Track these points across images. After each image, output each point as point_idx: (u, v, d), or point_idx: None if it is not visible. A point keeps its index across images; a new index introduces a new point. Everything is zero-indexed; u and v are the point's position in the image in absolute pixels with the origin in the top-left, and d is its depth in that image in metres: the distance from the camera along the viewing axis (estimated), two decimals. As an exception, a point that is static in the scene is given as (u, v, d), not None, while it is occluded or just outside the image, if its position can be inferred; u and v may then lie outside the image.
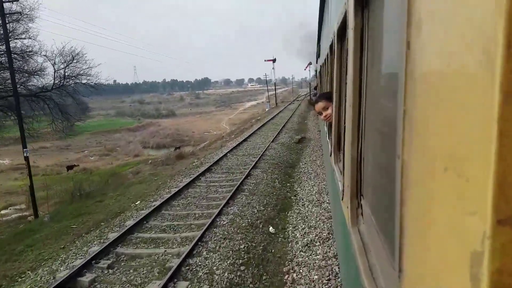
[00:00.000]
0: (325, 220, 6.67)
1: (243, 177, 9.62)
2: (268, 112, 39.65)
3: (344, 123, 1.75)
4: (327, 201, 7.54)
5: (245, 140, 17.47)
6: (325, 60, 5.10)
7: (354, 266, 1.37)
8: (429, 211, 0.54)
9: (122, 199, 10.53)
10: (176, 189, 9.07)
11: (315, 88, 20.28)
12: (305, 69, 57.74)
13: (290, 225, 6.83)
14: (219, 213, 7.10)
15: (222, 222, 6.75)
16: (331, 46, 2.96)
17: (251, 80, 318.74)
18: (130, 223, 7.03)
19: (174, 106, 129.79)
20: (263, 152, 13.13)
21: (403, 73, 0.66)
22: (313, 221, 6.72)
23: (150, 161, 20.38)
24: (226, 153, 13.76)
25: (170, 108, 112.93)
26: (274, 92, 56.98)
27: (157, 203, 8.13)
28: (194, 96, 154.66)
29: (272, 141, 15.82)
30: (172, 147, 55.01)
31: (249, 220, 6.84)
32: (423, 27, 0.57)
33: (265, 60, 54.98)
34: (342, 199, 1.85)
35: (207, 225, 6.41)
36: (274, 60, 53.03)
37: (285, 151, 13.88)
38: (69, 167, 26.36)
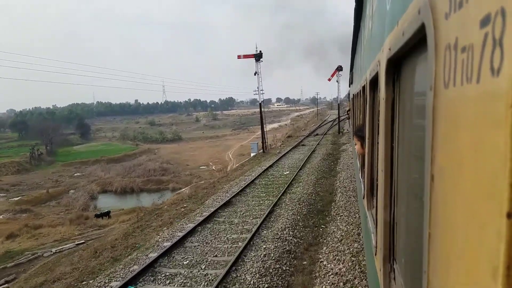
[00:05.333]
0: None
1: None
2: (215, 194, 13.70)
3: (377, 170, 1.77)
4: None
5: None
6: (357, 94, 5.44)
7: None
8: None
9: None
10: None
11: (347, 112, 25.59)
12: (329, 80, 36.14)
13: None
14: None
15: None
16: (364, 88, 3.12)
17: (279, 99, 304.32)
18: None
19: (187, 128, 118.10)
20: None
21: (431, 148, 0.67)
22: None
23: None
24: None
25: (176, 132, 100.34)
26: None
27: None
28: (211, 117, 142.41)
29: None
30: (146, 190, 40.27)
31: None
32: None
33: (239, 57, 25.47)
34: (375, 254, 1.84)
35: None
36: (257, 57, 25.23)
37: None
38: None
